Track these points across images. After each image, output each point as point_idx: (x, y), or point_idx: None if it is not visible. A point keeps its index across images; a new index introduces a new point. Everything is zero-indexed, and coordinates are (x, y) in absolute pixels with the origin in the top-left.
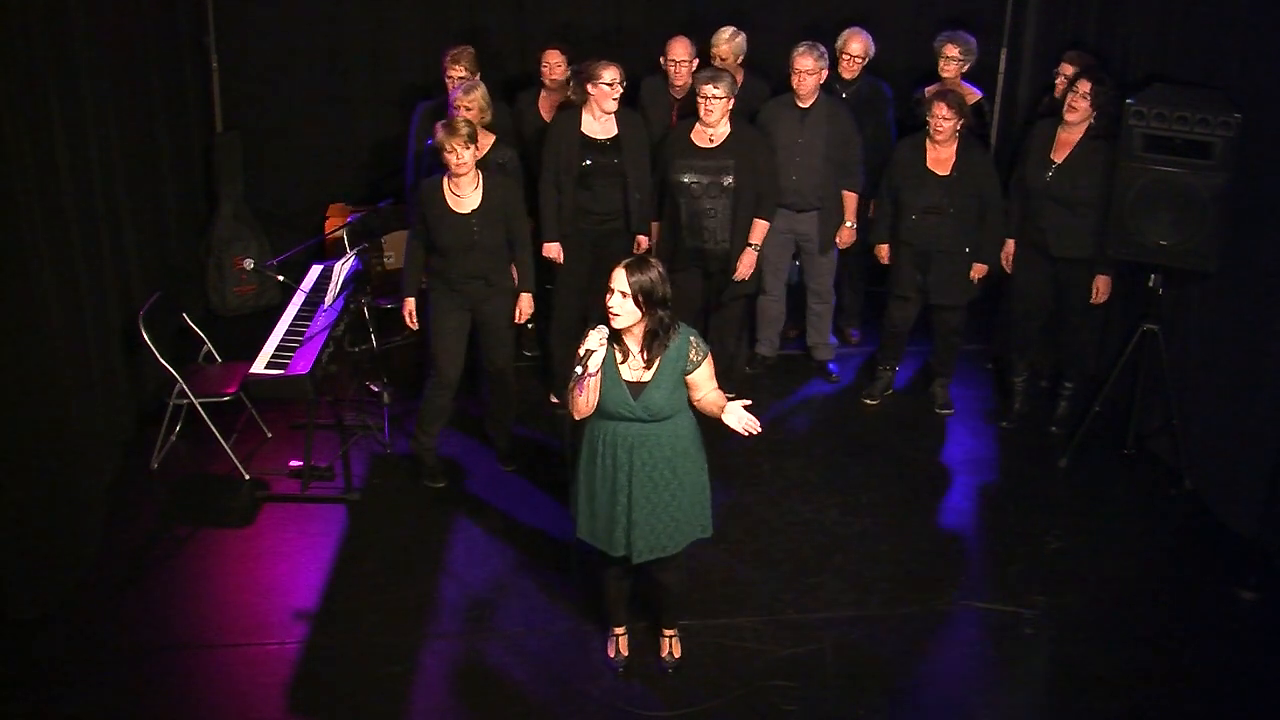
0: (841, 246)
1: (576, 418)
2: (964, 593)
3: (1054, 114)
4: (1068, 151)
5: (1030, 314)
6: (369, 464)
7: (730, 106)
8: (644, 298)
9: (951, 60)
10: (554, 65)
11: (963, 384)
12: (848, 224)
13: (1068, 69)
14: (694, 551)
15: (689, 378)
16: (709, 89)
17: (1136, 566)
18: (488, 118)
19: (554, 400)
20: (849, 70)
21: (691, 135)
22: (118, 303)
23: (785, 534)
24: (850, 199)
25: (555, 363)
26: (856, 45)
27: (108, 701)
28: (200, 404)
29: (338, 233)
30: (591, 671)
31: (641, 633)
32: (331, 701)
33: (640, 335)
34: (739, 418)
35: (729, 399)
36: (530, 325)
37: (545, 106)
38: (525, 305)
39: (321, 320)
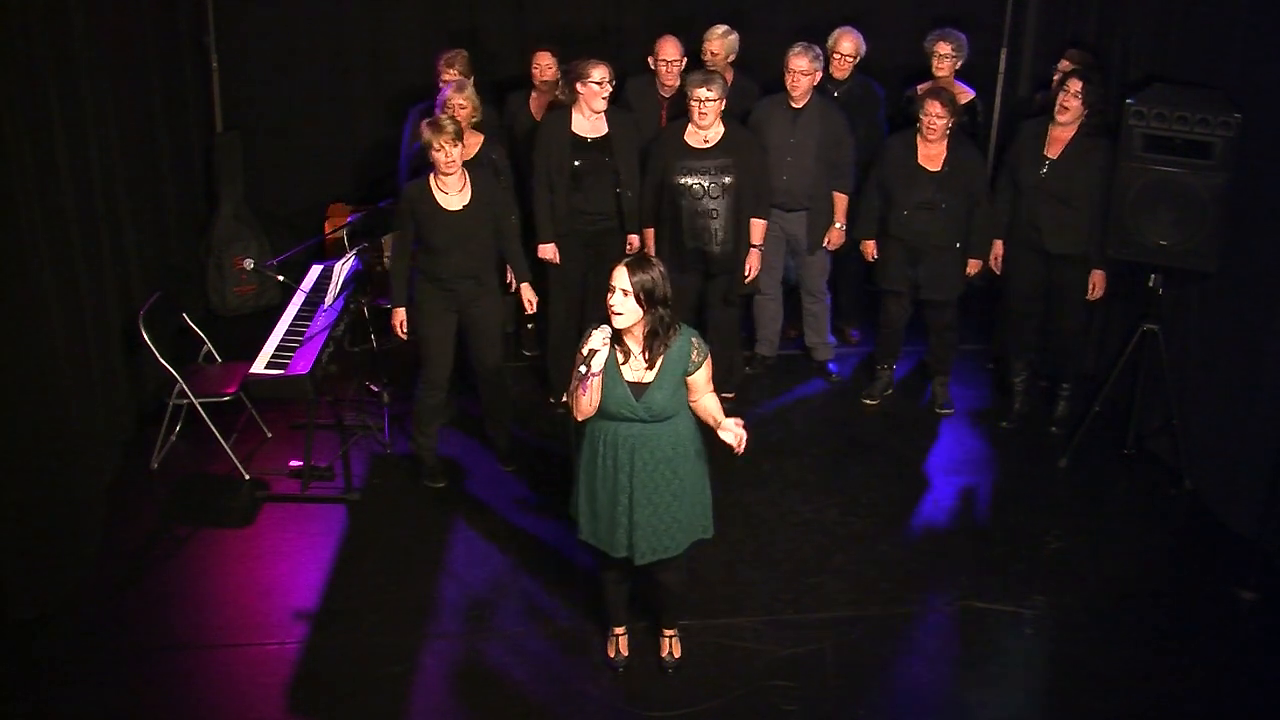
0: (831, 248)
1: (579, 418)
2: (964, 593)
3: (1045, 113)
4: (1061, 148)
5: (1027, 314)
6: (369, 464)
7: (722, 107)
8: (645, 296)
9: (945, 58)
10: (545, 67)
11: (963, 384)
12: (837, 225)
13: (1066, 65)
14: (694, 552)
15: (688, 379)
16: (702, 92)
17: (1136, 566)
18: (478, 117)
19: (553, 401)
20: (840, 69)
21: (685, 137)
22: (118, 303)
23: (785, 534)
24: (841, 200)
25: (553, 363)
26: (848, 44)
27: (108, 701)
28: (200, 404)
29: (338, 233)
30: (591, 671)
31: (641, 633)
32: (331, 701)
33: (641, 335)
34: (735, 436)
35: (726, 397)
36: (531, 325)
37: (536, 107)
38: (528, 294)
39: (321, 320)
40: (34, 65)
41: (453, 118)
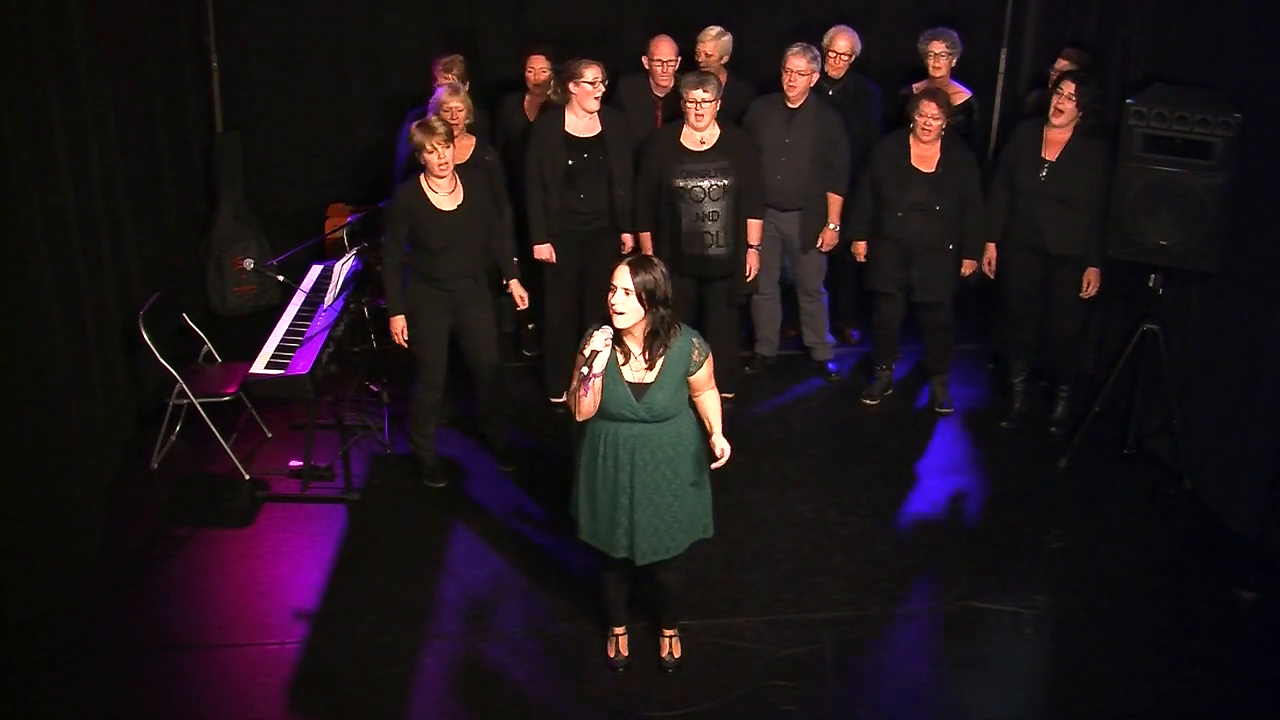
0: (824, 249)
1: (580, 419)
2: (964, 593)
3: (1039, 113)
4: (1059, 149)
5: (1025, 315)
6: (369, 464)
7: (718, 109)
8: (647, 296)
9: (940, 57)
10: (538, 70)
11: (963, 384)
12: (831, 226)
13: (1062, 65)
14: (694, 551)
15: (690, 379)
16: (698, 94)
17: (1136, 566)
18: (470, 120)
19: (554, 400)
20: (836, 68)
21: (681, 139)
22: (118, 303)
23: (785, 534)
24: (835, 201)
25: (549, 363)
26: (843, 43)
27: (108, 701)
28: (200, 404)
29: (338, 233)
30: (591, 671)
31: (641, 633)
32: (331, 701)
33: (642, 335)
34: (720, 452)
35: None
36: (530, 325)
37: (530, 109)
38: (518, 291)
39: (321, 320)
40: (34, 65)
41: (442, 120)
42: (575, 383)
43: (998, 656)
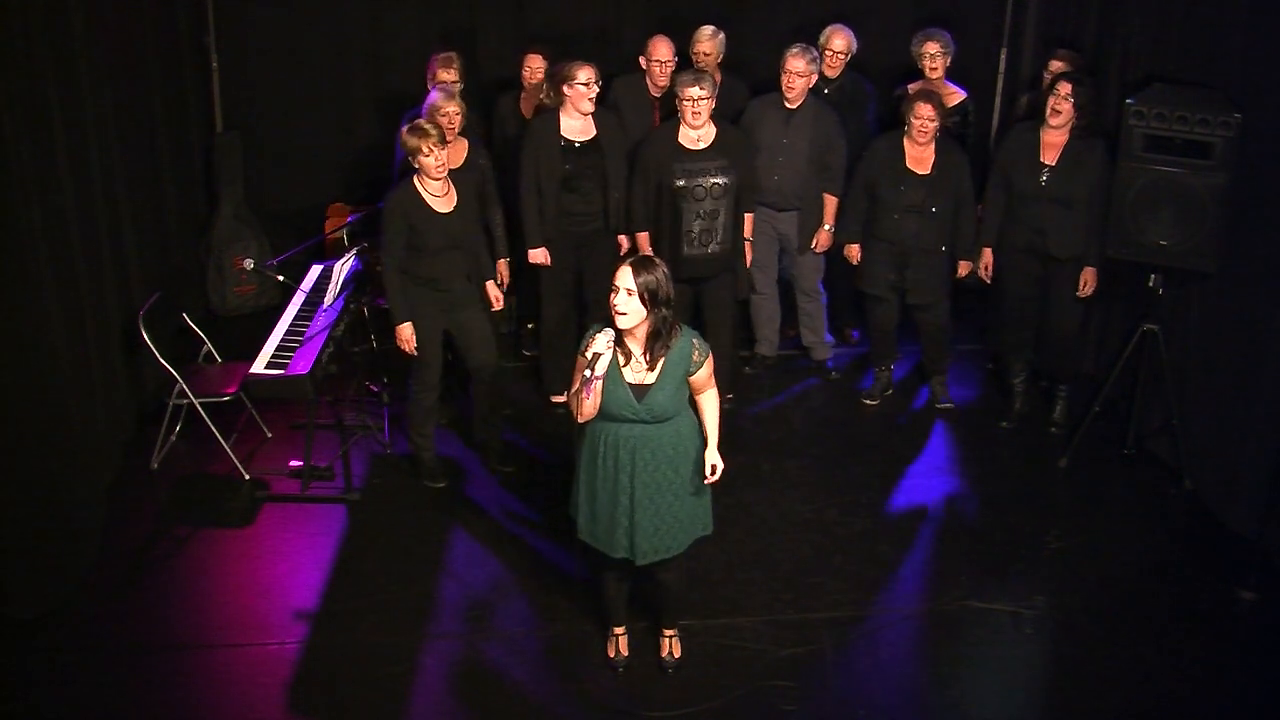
0: (818, 250)
1: (581, 420)
2: (964, 593)
3: (1031, 116)
4: (1058, 152)
5: (1024, 318)
6: (369, 464)
7: (713, 106)
8: (649, 296)
9: (935, 58)
10: (535, 69)
11: (963, 384)
12: (826, 227)
13: (1056, 65)
14: (694, 551)
15: (690, 379)
16: (694, 91)
17: (1136, 566)
18: (464, 122)
19: (554, 400)
20: (832, 67)
21: (679, 139)
22: (118, 303)
23: (785, 534)
24: (830, 202)
25: (547, 364)
26: (840, 42)
27: (108, 701)
28: (200, 404)
29: (338, 233)
30: (591, 671)
31: (641, 633)
32: (331, 701)
33: (643, 336)
34: (710, 469)
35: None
36: (530, 325)
37: (527, 109)
38: (494, 292)
39: (321, 320)
40: (34, 65)
41: (434, 122)
42: (577, 385)
43: (998, 656)
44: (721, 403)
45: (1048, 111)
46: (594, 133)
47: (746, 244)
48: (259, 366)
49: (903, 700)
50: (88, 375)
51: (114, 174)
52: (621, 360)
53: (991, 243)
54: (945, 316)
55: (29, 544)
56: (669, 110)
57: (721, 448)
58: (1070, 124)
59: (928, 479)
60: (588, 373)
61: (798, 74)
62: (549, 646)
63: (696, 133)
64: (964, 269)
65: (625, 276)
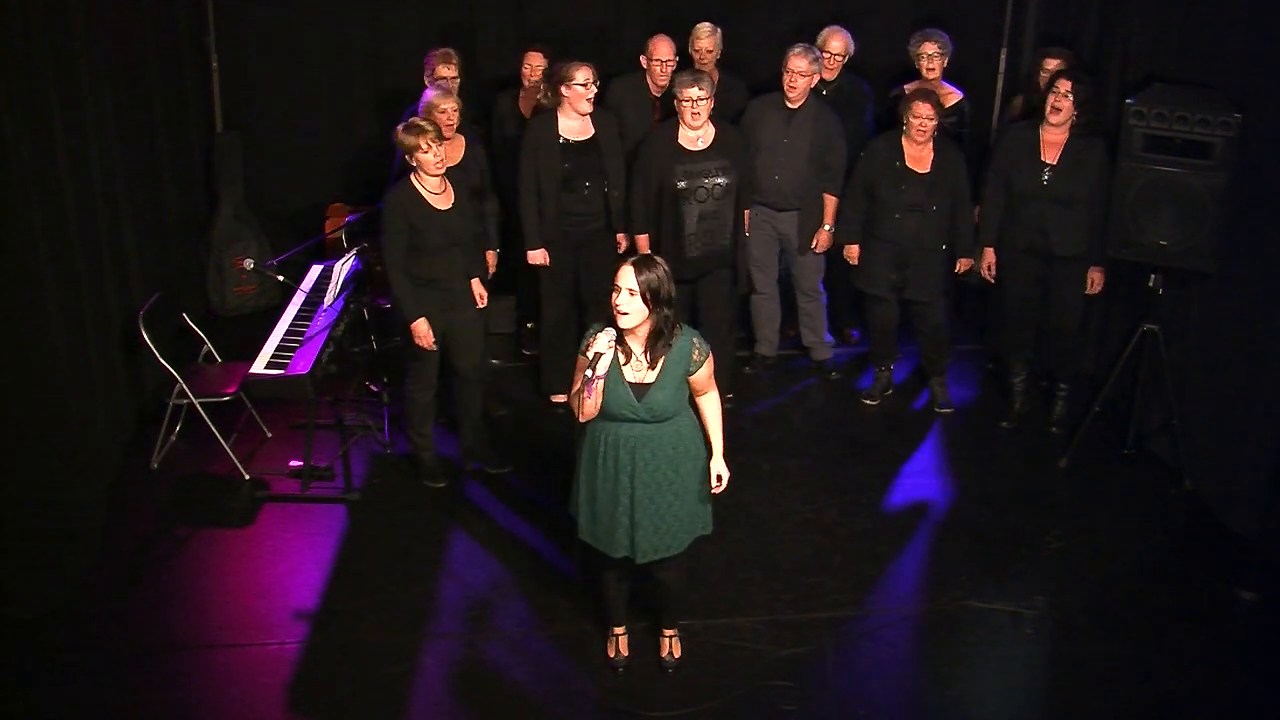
0: (818, 250)
1: (582, 420)
2: (964, 593)
3: (1027, 116)
4: (1059, 151)
5: (1024, 318)
6: (369, 464)
7: (712, 106)
8: (651, 296)
9: (933, 58)
10: (535, 67)
11: (963, 384)
12: (826, 227)
13: (1050, 64)
14: (694, 551)
15: (690, 379)
16: (693, 91)
17: (1136, 566)
18: (460, 121)
19: (554, 399)
20: (829, 69)
21: (679, 140)
22: (118, 303)
23: (785, 534)
24: (830, 202)
25: (546, 364)
26: (837, 43)
27: (108, 701)
28: (200, 404)
29: (338, 233)
30: (591, 671)
31: (641, 633)
32: (331, 701)
33: (644, 336)
34: (716, 478)
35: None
36: (530, 325)
37: (526, 107)
38: (479, 289)
39: (321, 320)
40: (34, 65)
41: (430, 119)
42: (578, 384)
43: (997, 656)
44: (722, 403)
45: (1047, 109)
46: (592, 132)
47: (745, 239)
48: (259, 366)
49: (903, 700)
50: (88, 375)
51: (114, 174)
52: (622, 359)
53: (992, 242)
54: (943, 314)
55: (29, 544)
56: (669, 110)
57: (722, 447)
58: (1070, 121)
59: (928, 479)
60: (589, 372)
61: (800, 74)
62: (549, 646)
63: (696, 133)
64: (963, 265)
65: (627, 276)
